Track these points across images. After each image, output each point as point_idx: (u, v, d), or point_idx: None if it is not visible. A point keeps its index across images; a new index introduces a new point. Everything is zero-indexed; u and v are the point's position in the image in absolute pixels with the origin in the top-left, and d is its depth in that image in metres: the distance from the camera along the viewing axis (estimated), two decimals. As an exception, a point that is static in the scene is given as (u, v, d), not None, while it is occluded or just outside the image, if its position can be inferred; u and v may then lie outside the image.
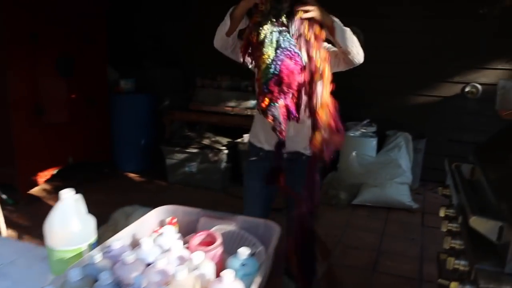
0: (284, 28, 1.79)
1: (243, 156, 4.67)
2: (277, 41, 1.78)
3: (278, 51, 1.77)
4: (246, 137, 4.71)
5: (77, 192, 1.43)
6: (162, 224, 1.72)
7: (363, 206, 4.32)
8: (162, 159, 4.95)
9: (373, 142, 4.61)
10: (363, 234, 3.82)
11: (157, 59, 5.71)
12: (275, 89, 1.80)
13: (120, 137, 5.21)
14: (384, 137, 4.74)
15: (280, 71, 1.77)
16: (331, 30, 1.90)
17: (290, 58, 1.77)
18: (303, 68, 1.79)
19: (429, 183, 4.85)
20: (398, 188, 4.22)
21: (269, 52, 1.78)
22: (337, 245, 3.58)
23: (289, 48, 1.77)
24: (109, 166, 5.25)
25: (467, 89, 4.77)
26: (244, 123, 4.76)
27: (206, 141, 4.74)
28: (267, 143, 2.31)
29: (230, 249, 1.48)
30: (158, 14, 5.80)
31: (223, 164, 4.65)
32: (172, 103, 5.23)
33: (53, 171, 4.53)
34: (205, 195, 4.61)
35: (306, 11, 1.79)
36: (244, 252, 1.32)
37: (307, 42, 1.80)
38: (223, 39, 2.07)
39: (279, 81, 1.78)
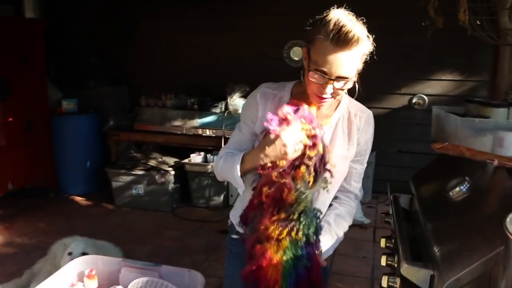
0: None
1: (191, 176, 4.55)
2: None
3: None
4: (193, 157, 4.58)
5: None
6: (80, 276, 1.60)
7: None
8: (109, 181, 4.75)
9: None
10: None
11: (102, 78, 5.48)
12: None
13: (64, 160, 4.98)
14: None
15: None
16: None
17: None
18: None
19: (381, 195, 4.84)
20: (349, 204, 4.17)
21: None
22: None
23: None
24: (55, 191, 5.04)
25: (414, 100, 4.80)
26: (190, 143, 4.64)
27: (152, 162, 4.57)
28: None
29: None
30: (102, 31, 5.58)
31: (171, 185, 4.50)
32: (117, 123, 5.02)
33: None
34: (153, 217, 4.46)
35: None
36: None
37: None
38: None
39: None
